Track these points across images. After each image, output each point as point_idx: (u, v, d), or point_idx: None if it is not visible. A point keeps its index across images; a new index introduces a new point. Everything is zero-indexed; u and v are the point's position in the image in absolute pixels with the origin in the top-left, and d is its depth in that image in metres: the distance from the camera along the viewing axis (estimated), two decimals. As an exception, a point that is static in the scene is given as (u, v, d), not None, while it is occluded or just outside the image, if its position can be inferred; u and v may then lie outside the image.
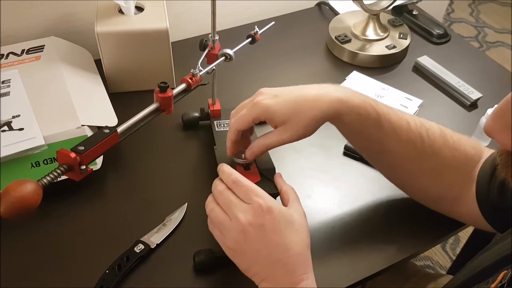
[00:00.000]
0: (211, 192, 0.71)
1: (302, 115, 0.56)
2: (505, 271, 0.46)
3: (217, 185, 0.56)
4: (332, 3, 1.11)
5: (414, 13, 1.08)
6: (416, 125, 0.61)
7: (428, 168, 0.62)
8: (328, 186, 0.74)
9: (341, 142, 0.78)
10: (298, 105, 0.56)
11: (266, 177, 0.60)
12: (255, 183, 0.57)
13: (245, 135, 0.62)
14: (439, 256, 1.53)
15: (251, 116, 0.58)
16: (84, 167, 0.50)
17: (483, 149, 0.63)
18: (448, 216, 0.66)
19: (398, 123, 0.60)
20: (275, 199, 0.58)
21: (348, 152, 0.78)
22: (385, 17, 1.03)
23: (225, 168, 0.57)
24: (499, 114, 0.37)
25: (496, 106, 0.38)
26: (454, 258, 1.51)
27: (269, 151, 0.63)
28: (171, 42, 0.83)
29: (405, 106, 0.86)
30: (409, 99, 0.87)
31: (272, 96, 0.58)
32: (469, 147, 0.62)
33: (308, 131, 0.57)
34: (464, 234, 1.53)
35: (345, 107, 0.57)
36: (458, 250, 1.54)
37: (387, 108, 0.60)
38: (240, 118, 0.59)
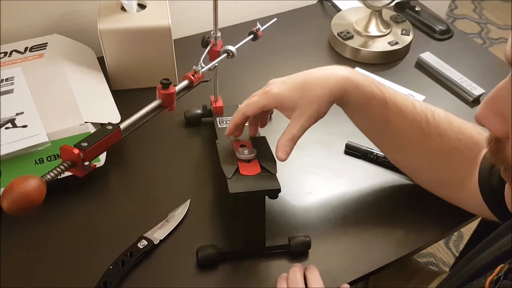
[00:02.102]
0: (213, 188, 0.71)
1: (311, 96, 0.58)
2: (502, 265, 0.47)
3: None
4: (334, 0, 1.11)
5: (416, 9, 1.07)
6: (421, 107, 0.62)
7: (433, 149, 0.62)
8: (330, 183, 0.74)
9: (343, 139, 0.78)
10: (306, 86, 0.58)
11: (268, 171, 0.60)
12: (255, 175, 0.59)
13: (254, 122, 0.65)
14: (442, 253, 1.53)
15: (261, 104, 0.60)
16: (88, 163, 0.50)
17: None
18: (449, 206, 0.67)
19: (403, 103, 0.61)
20: (276, 196, 0.58)
21: (349, 151, 0.78)
22: (387, 13, 1.03)
23: (316, 275, 0.59)
24: (490, 101, 0.38)
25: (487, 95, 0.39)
26: (457, 254, 1.50)
27: (270, 147, 0.64)
28: (174, 40, 0.83)
29: (407, 102, 0.86)
30: (412, 95, 0.87)
31: (281, 84, 0.60)
32: (475, 132, 0.62)
33: (321, 111, 0.59)
34: (467, 231, 1.53)
35: (351, 84, 0.59)
36: (461, 246, 1.53)
37: (392, 89, 0.62)
38: (249, 104, 0.61)
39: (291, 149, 0.59)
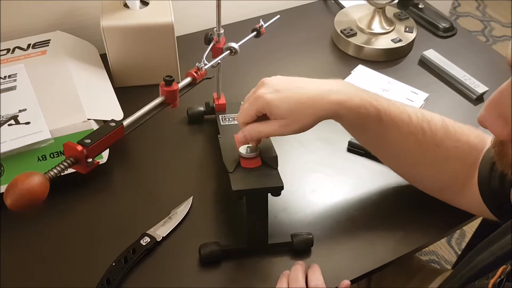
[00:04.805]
0: (216, 186, 0.71)
1: (301, 113, 0.57)
2: (504, 266, 0.46)
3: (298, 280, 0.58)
4: (337, -3, 1.11)
5: (420, 6, 1.07)
6: (417, 118, 0.61)
7: (430, 159, 0.62)
8: (333, 180, 0.74)
9: (346, 136, 0.78)
10: (298, 102, 0.57)
11: (269, 165, 0.60)
12: (256, 167, 0.60)
13: None
14: (444, 251, 1.53)
15: (253, 110, 0.59)
16: (91, 160, 0.50)
17: (486, 138, 0.63)
18: (451, 205, 0.67)
19: (399, 117, 0.60)
20: (279, 193, 0.58)
21: (352, 148, 0.78)
22: (390, 11, 1.02)
23: (316, 271, 0.60)
24: (492, 104, 0.38)
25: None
26: (459, 252, 1.50)
27: (273, 143, 0.64)
28: (176, 36, 0.83)
29: (411, 100, 0.85)
30: (415, 92, 0.87)
31: (274, 91, 0.58)
32: (472, 136, 0.62)
33: (305, 128, 0.58)
34: (470, 229, 1.52)
35: (344, 108, 0.58)
36: (463, 244, 1.53)
37: (388, 102, 0.61)
38: (243, 112, 0.60)
39: (252, 139, 0.60)
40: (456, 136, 0.62)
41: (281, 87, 0.59)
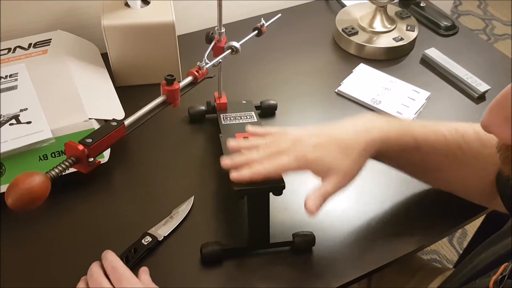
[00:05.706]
0: (217, 185, 0.71)
1: (347, 161, 0.56)
2: (506, 264, 0.46)
3: (93, 272, 0.56)
4: (338, -4, 1.11)
5: (421, 5, 1.07)
6: (452, 136, 0.60)
7: (471, 171, 0.62)
8: (334, 179, 0.73)
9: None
10: (341, 151, 0.56)
11: None
12: None
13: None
14: (446, 250, 1.53)
15: (294, 168, 0.56)
16: (92, 159, 0.50)
17: None
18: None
19: (436, 141, 0.60)
20: (281, 192, 0.58)
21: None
22: (392, 9, 1.02)
23: (108, 256, 0.58)
24: (497, 107, 0.36)
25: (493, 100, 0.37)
26: (461, 251, 1.50)
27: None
28: (178, 36, 0.83)
29: (412, 99, 0.85)
30: (417, 91, 0.87)
31: (313, 148, 0.56)
32: None
33: (357, 172, 0.57)
34: (471, 228, 1.52)
35: (384, 144, 0.58)
36: (465, 243, 1.53)
37: (422, 128, 0.60)
38: (280, 167, 0.56)
39: (321, 203, 0.55)
40: (491, 142, 0.60)
41: (320, 140, 0.57)
